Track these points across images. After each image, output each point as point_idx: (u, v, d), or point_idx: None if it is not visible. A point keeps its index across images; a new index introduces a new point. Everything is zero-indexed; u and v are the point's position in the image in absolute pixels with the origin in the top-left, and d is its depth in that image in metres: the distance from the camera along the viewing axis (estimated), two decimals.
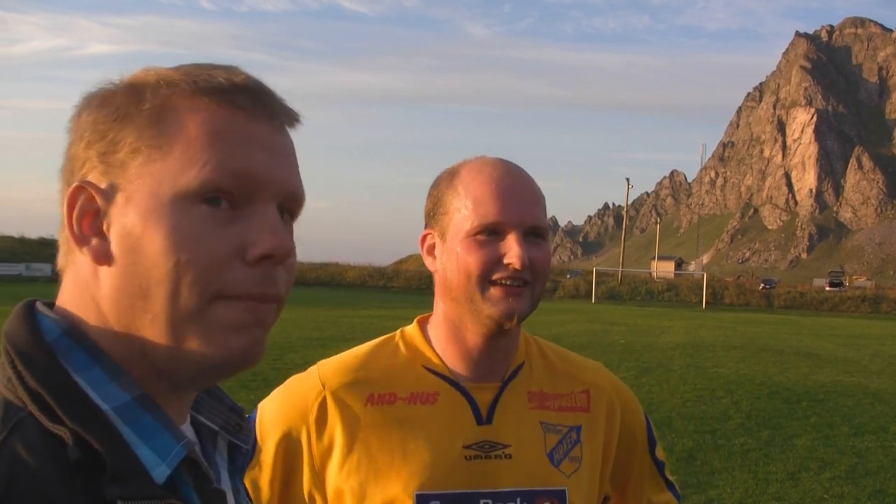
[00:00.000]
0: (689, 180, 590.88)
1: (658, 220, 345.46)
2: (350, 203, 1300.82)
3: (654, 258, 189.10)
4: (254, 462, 2.16)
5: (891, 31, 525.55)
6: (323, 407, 2.18)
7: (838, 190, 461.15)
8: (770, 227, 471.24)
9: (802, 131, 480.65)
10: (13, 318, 1.22)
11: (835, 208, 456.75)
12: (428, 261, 2.28)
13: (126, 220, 1.18)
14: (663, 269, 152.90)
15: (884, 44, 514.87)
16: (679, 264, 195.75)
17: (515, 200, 2.13)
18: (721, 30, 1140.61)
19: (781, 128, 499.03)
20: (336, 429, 2.16)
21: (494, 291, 2.12)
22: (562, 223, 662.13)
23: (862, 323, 66.54)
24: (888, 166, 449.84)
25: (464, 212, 2.14)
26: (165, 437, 1.18)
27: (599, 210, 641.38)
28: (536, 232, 2.16)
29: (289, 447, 2.17)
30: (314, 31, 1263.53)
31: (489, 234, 2.12)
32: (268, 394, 2.22)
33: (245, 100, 1.25)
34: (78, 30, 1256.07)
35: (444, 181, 2.23)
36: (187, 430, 1.31)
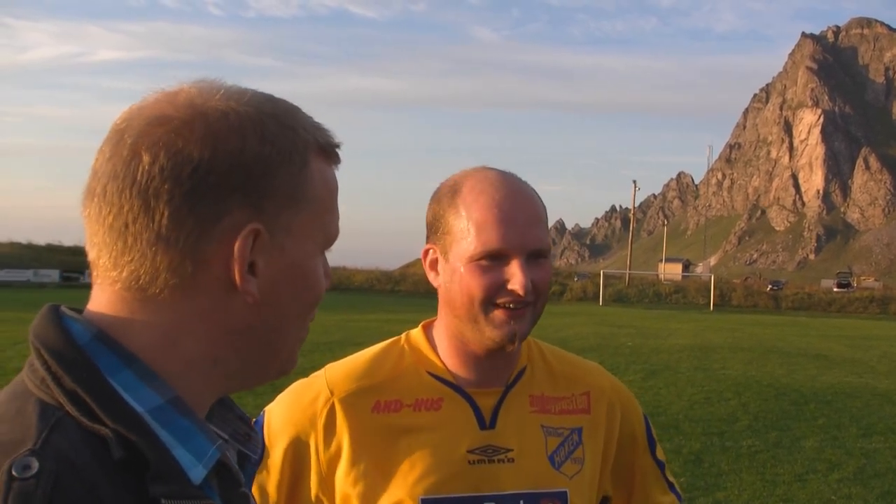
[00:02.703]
0: (696, 182, 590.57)
1: (665, 223, 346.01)
2: (358, 207, 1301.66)
3: (661, 260, 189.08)
4: (262, 466, 2.18)
5: None
6: (331, 413, 2.20)
7: (846, 191, 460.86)
8: (777, 229, 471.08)
9: (809, 132, 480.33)
10: (41, 321, 1.24)
11: (842, 209, 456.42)
12: (431, 276, 2.28)
13: (276, 264, 1.29)
14: (671, 271, 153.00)
15: (890, 44, 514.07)
16: (686, 266, 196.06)
17: (517, 225, 2.13)
18: (728, 31, 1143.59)
19: (788, 129, 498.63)
20: (344, 436, 2.18)
21: (498, 314, 2.14)
22: (569, 226, 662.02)
23: (870, 324, 66.33)
24: (895, 167, 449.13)
25: (466, 235, 2.15)
26: (200, 439, 1.22)
27: (607, 212, 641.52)
28: (538, 253, 2.17)
29: (297, 452, 2.19)
30: (323, 36, 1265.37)
31: (492, 259, 2.13)
32: (275, 399, 2.29)
33: (339, 158, 1.42)
34: (86, 36, 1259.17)
35: (446, 198, 2.22)
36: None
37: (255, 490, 2.13)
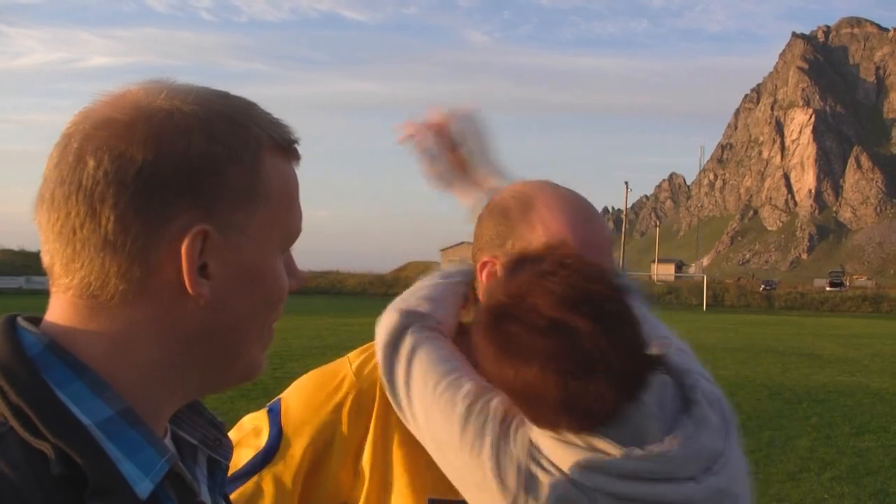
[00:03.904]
0: (689, 183, 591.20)
1: (658, 223, 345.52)
2: (350, 211, 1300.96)
3: (654, 261, 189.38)
4: (278, 456, 2.13)
5: (887, 30, 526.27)
6: (357, 400, 2.17)
7: (837, 190, 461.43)
8: (770, 228, 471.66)
9: (801, 132, 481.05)
10: None
11: (834, 208, 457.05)
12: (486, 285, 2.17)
13: (231, 265, 1.27)
14: (664, 271, 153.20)
15: (881, 43, 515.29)
16: (679, 267, 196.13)
17: (596, 249, 2.09)
18: (720, 32, 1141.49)
19: (780, 129, 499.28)
20: (370, 423, 2.16)
21: None
22: None
23: (862, 322, 66.53)
24: (887, 165, 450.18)
25: None
26: (149, 452, 1.19)
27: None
28: None
29: (319, 440, 2.15)
30: (315, 41, 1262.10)
31: None
32: (292, 387, 2.23)
33: (297, 154, 1.38)
34: (79, 42, 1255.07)
35: (516, 212, 2.16)
36: (167, 444, 1.31)
37: (269, 481, 2.11)
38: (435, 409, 1.93)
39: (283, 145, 1.34)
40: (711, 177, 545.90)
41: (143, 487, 1.16)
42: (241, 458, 2.11)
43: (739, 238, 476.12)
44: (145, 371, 1.24)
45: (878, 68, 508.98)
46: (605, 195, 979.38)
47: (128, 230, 1.19)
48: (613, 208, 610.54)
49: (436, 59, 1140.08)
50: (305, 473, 2.14)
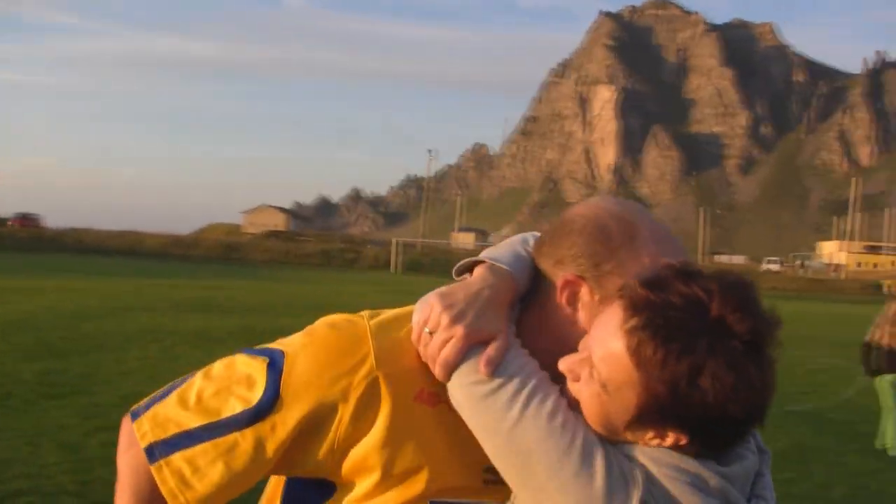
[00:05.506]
0: (492, 153, 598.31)
1: (460, 193, 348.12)
2: (155, 171, 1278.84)
3: (453, 230, 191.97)
4: (268, 419, 1.92)
5: (690, 13, 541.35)
6: (371, 388, 1.93)
7: (637, 166, 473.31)
8: (570, 201, 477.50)
9: (603, 108, 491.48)
10: None
11: (633, 184, 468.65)
12: (567, 310, 1.98)
13: None
14: (464, 240, 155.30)
15: (684, 25, 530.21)
16: (485, 235, 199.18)
17: None
18: (532, 7, 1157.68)
19: (583, 104, 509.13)
20: (378, 416, 1.93)
21: None
22: (365, 194, 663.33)
23: None
24: (685, 144, 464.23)
25: None
26: None
27: (402, 181, 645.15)
28: None
29: (316, 419, 1.93)
30: None
31: None
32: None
33: None
34: None
35: (620, 236, 1.98)
36: None
37: (250, 441, 1.92)
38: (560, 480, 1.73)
39: None
40: (515, 148, 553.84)
41: None
42: (226, 406, 1.93)
43: (541, 209, 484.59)
44: None
45: (679, 50, 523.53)
46: (410, 162, 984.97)
47: None
48: (416, 176, 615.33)
49: (253, 22, 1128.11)
50: (290, 442, 1.93)
